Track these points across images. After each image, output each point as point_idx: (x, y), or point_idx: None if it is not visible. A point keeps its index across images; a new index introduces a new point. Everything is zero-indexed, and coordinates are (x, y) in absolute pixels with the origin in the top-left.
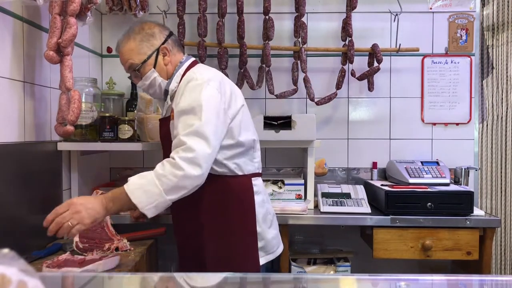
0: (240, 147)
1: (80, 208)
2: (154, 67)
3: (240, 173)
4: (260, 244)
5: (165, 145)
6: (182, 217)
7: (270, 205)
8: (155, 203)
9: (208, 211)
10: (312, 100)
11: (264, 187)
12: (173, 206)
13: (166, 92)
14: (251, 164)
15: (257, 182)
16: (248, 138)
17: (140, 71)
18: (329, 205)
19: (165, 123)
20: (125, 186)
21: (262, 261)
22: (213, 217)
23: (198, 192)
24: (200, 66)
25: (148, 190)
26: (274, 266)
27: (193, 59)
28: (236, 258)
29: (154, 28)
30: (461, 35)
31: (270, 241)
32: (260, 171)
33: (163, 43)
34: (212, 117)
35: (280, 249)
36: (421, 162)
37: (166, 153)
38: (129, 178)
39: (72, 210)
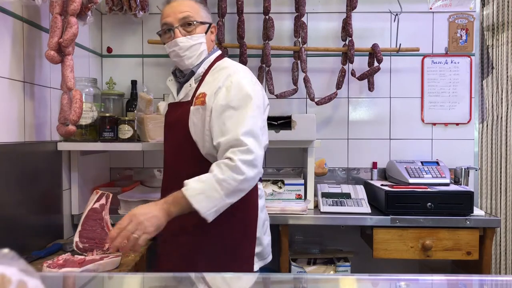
0: None
1: (141, 218)
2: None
3: None
4: (257, 249)
5: (175, 131)
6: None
7: (266, 210)
8: (216, 207)
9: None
10: (312, 100)
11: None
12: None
13: (191, 73)
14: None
15: (261, 186)
16: (266, 142)
17: (191, 28)
18: (329, 205)
19: (183, 107)
20: (185, 191)
21: (256, 267)
22: (218, 217)
23: None
24: (231, 60)
25: (209, 196)
26: (274, 266)
27: (220, 52)
28: (230, 263)
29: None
30: (461, 35)
31: (265, 247)
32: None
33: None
34: (260, 116)
35: (270, 257)
36: (421, 162)
37: (174, 140)
38: (186, 182)
39: (135, 222)
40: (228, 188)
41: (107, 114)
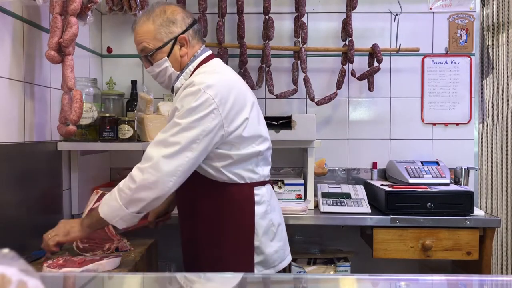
0: (241, 159)
1: (60, 225)
2: (168, 56)
3: (241, 181)
4: (258, 258)
5: None
6: (181, 222)
7: (277, 215)
8: (119, 217)
9: (204, 219)
10: (312, 100)
11: (271, 195)
12: (178, 207)
13: (172, 89)
14: (254, 173)
15: (260, 192)
16: (251, 151)
17: (152, 57)
18: (329, 205)
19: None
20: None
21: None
22: (209, 226)
23: (196, 198)
24: (210, 65)
25: (111, 205)
26: None
27: (209, 52)
28: (229, 257)
29: (177, 15)
30: (461, 35)
31: (271, 255)
32: (267, 179)
33: (183, 32)
34: (194, 127)
35: (285, 262)
36: (421, 162)
37: None
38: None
39: (54, 228)
40: (125, 198)
41: (107, 114)
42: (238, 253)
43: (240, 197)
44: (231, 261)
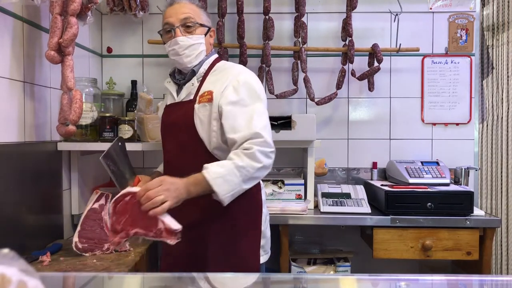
0: None
1: (169, 186)
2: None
3: None
4: (262, 242)
5: (178, 130)
6: (185, 206)
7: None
8: (233, 192)
9: (217, 204)
10: (312, 100)
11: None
12: None
13: (193, 73)
14: None
15: (261, 183)
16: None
17: (192, 29)
18: (329, 205)
19: (185, 106)
20: (206, 173)
21: (262, 260)
22: (222, 212)
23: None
24: (231, 62)
25: (228, 180)
26: (274, 266)
27: (217, 54)
28: (239, 256)
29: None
30: (461, 35)
31: (268, 240)
32: None
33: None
34: (267, 113)
35: (269, 251)
36: (421, 162)
37: (177, 138)
38: (206, 166)
39: (163, 187)
40: (246, 175)
41: (107, 114)
42: (249, 236)
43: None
44: (244, 244)
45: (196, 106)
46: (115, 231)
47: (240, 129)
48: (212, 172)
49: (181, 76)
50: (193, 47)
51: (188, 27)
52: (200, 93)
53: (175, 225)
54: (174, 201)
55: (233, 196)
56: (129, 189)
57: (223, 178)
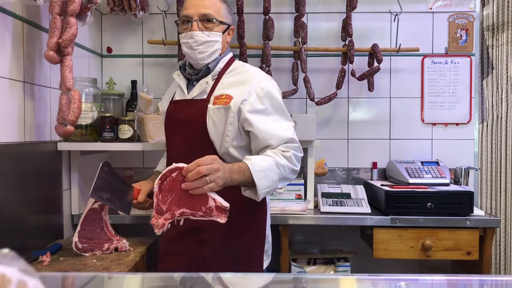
0: None
1: (220, 167)
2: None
3: None
4: (265, 246)
5: (187, 128)
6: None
7: None
8: (269, 188)
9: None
10: (312, 100)
11: None
12: None
13: (207, 70)
14: None
15: None
16: None
17: (211, 25)
18: (329, 205)
19: (197, 104)
20: (250, 165)
21: (264, 265)
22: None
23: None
24: (248, 64)
25: (269, 175)
26: (274, 266)
27: (232, 53)
28: (242, 260)
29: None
30: (461, 35)
31: (270, 244)
32: None
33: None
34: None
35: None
36: (421, 162)
37: (183, 136)
38: (249, 157)
39: (214, 166)
40: (283, 174)
41: (107, 114)
42: (252, 242)
43: None
44: (246, 248)
45: (211, 107)
46: (159, 212)
47: (275, 135)
48: (256, 164)
49: (193, 71)
50: (209, 44)
51: (207, 22)
52: (215, 93)
53: (225, 202)
54: (220, 184)
55: (268, 192)
56: (176, 164)
57: (264, 172)
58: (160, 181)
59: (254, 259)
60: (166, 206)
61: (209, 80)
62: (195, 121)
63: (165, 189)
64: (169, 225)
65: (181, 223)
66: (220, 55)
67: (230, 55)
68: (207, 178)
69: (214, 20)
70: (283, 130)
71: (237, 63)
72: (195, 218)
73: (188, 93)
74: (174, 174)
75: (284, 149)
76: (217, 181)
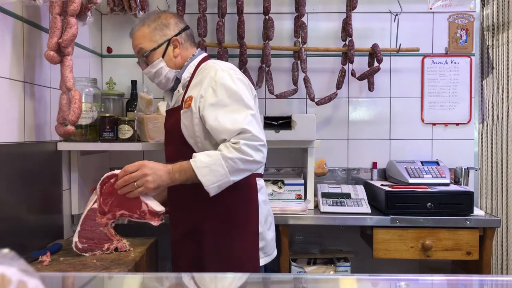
0: None
1: (148, 171)
2: (163, 56)
3: None
4: (261, 244)
5: (172, 136)
6: (183, 210)
7: (270, 207)
8: (219, 182)
9: (210, 206)
10: (312, 100)
11: (265, 188)
12: (174, 198)
13: (177, 81)
14: None
15: (260, 182)
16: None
17: (148, 58)
18: (329, 205)
19: (175, 113)
20: (192, 162)
21: (261, 262)
22: (215, 213)
23: (203, 186)
24: (214, 60)
25: (214, 170)
26: (274, 266)
27: (205, 54)
28: (236, 258)
29: (170, 19)
30: (461, 35)
31: (269, 242)
32: (263, 172)
33: (176, 35)
34: (252, 107)
35: (275, 252)
36: (421, 162)
37: (173, 144)
38: (195, 155)
39: (141, 172)
40: (233, 167)
41: (107, 114)
42: (246, 239)
43: (247, 185)
44: (239, 247)
45: (182, 112)
46: (102, 212)
47: (226, 129)
48: (199, 160)
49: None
50: (157, 73)
51: (145, 57)
52: (185, 98)
53: (158, 207)
54: (151, 188)
55: (220, 187)
56: (113, 171)
57: (209, 168)
58: (100, 186)
59: (249, 257)
60: (107, 208)
61: (180, 89)
62: (174, 128)
63: (105, 193)
64: (113, 223)
65: (126, 222)
66: (185, 65)
67: (199, 58)
68: (135, 183)
69: (145, 54)
70: (235, 122)
71: (205, 63)
72: (133, 219)
73: (171, 103)
74: (112, 180)
75: (235, 140)
76: (146, 185)
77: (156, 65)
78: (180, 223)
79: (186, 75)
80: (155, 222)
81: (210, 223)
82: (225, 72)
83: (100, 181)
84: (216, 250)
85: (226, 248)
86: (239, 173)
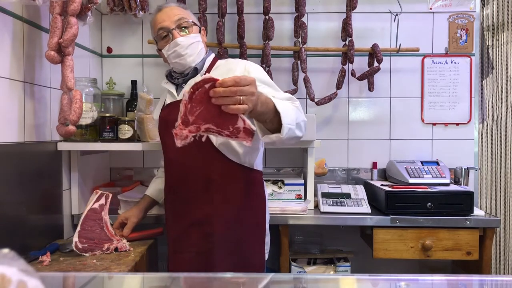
0: (260, 146)
1: (255, 92)
2: None
3: (255, 168)
4: (266, 238)
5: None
6: (189, 202)
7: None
8: (291, 125)
9: (220, 198)
10: (312, 100)
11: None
12: (179, 191)
13: (195, 70)
14: (259, 161)
15: (263, 179)
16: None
17: (188, 29)
18: (329, 205)
19: None
20: (272, 98)
21: (266, 256)
22: (225, 206)
23: (215, 180)
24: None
25: (290, 110)
26: (274, 266)
27: (214, 54)
28: (245, 251)
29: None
30: (461, 35)
31: (269, 238)
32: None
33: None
34: None
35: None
36: (421, 162)
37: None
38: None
39: (251, 89)
40: (299, 118)
41: (107, 114)
42: (254, 233)
43: (256, 181)
44: (249, 240)
45: None
46: (185, 122)
47: (274, 97)
48: (277, 100)
49: (179, 75)
50: (194, 45)
51: (184, 27)
52: None
53: (253, 125)
54: (251, 106)
55: (291, 132)
56: (211, 75)
57: (286, 106)
58: (192, 90)
59: (256, 250)
60: (193, 118)
61: (198, 78)
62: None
63: (196, 100)
64: (192, 138)
65: (203, 139)
66: (206, 55)
67: (212, 55)
68: (241, 98)
69: (190, 21)
70: (279, 93)
71: (221, 61)
72: (219, 136)
73: (178, 95)
74: (207, 85)
75: (291, 102)
76: (249, 102)
77: (196, 36)
78: (186, 216)
79: (205, 66)
80: (247, 142)
81: (220, 215)
82: (255, 65)
83: (192, 85)
84: (224, 242)
85: (235, 240)
86: (298, 130)
